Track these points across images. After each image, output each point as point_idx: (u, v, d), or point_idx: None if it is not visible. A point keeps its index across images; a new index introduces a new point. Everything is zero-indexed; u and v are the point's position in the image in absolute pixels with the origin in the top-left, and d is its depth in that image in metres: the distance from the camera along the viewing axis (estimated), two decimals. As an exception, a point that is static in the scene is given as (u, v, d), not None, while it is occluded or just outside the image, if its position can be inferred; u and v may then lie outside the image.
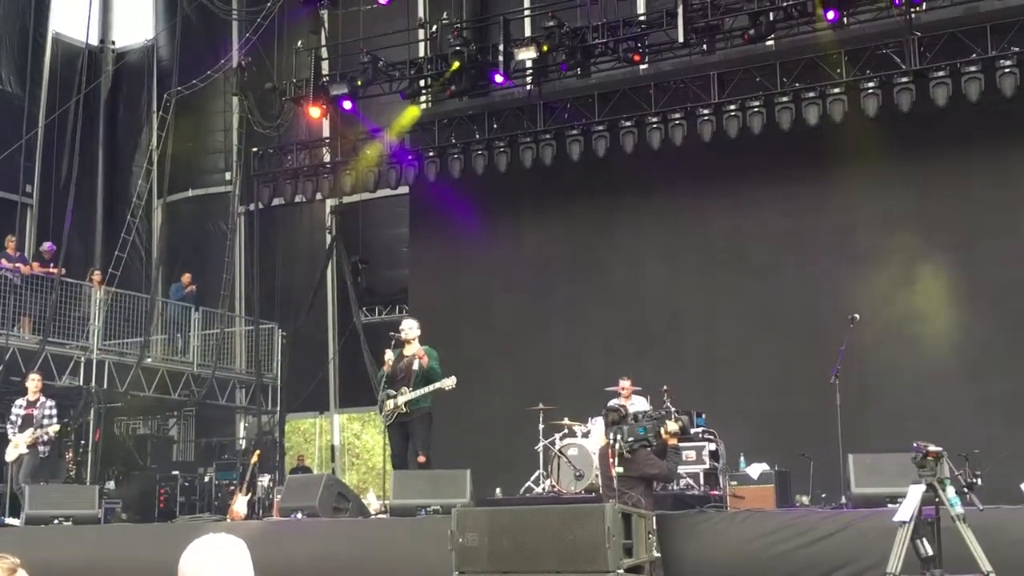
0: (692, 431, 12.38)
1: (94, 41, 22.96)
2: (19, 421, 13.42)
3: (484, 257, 17.72)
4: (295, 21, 18.46)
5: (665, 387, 12.58)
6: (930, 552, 7.07)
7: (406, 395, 11.23)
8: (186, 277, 20.62)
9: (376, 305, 20.46)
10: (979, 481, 7.92)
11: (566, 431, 12.49)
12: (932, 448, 7.21)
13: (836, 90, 14.49)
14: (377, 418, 12.15)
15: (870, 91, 14.32)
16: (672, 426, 10.42)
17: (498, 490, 12.92)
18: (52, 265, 18.23)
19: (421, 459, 11.31)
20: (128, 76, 24.11)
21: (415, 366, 11.31)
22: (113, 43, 24.38)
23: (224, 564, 2.97)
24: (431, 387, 11.15)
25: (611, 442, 9.14)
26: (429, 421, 11.49)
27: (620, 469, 9.21)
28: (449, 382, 11.11)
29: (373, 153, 17.58)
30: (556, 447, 12.40)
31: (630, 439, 9.54)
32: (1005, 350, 14.09)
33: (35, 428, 13.25)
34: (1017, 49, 13.70)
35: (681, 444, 11.98)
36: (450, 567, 7.69)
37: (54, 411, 13.53)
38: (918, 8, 14.08)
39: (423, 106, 17.40)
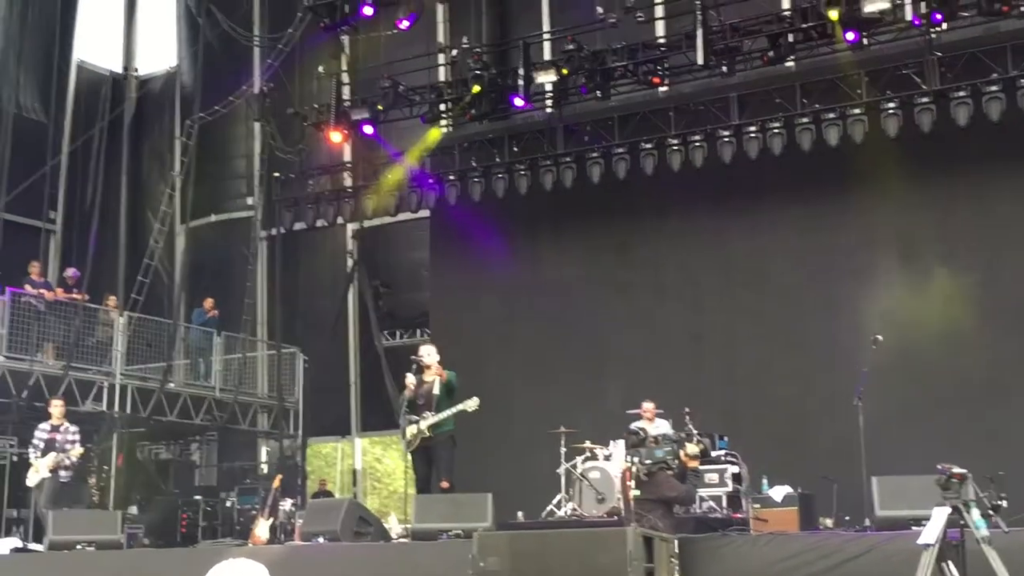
0: (715, 454, 12.38)
1: (118, 68, 23.19)
2: (42, 446, 13.49)
3: (505, 280, 17.73)
4: (316, 47, 18.61)
5: (687, 409, 12.54)
6: (956, 574, 7.03)
7: (429, 419, 11.22)
8: (208, 302, 20.66)
9: (397, 329, 20.48)
10: (1005, 503, 7.83)
11: (588, 454, 12.46)
12: (956, 470, 7.17)
13: (856, 111, 14.47)
14: (399, 441, 12.12)
15: (891, 112, 14.30)
16: (692, 449, 10.42)
17: (520, 514, 12.88)
18: (76, 291, 18.27)
19: (444, 484, 11.27)
20: (151, 103, 24.29)
21: (436, 390, 11.29)
22: (136, 70, 24.59)
23: None
24: (454, 409, 11.12)
25: (629, 464, 9.14)
26: (452, 445, 11.44)
27: (637, 492, 9.19)
28: (472, 403, 11.08)
29: (394, 177, 17.64)
30: (578, 470, 12.36)
31: (648, 461, 9.54)
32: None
33: (57, 452, 13.31)
34: (1039, 68, 13.69)
35: (703, 467, 12.02)
36: (472, 592, 7.70)
37: (77, 436, 13.64)
38: (938, 28, 14.06)
39: (444, 130, 17.46)
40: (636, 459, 9.66)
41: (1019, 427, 13.56)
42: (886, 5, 13.75)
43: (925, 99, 14.15)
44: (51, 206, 21.80)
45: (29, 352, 16.96)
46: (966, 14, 13.95)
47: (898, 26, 14.12)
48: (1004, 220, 14.85)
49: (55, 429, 13.58)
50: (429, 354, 11.61)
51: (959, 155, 14.62)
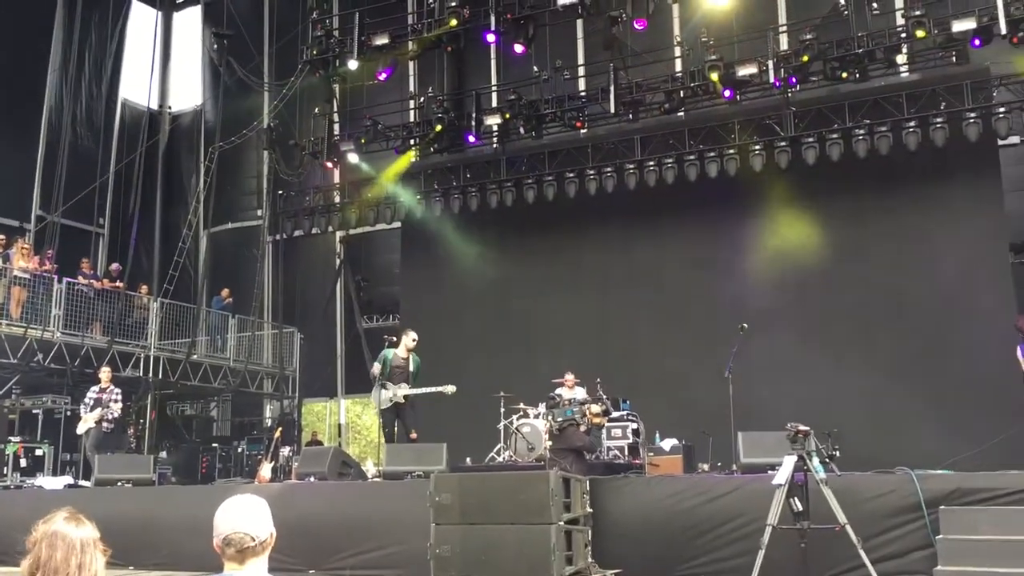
0: (618, 413, 12.44)
1: (154, 106, 22.80)
2: (91, 403, 13.33)
3: (459, 277, 17.67)
4: (312, 91, 18.41)
5: (599, 379, 12.60)
6: (800, 508, 7.14)
7: (406, 390, 11.27)
8: (225, 291, 20.51)
9: (374, 314, 20.35)
10: (838, 453, 7.97)
11: (522, 413, 12.46)
12: (802, 427, 7.28)
13: (731, 151, 14.66)
14: (372, 403, 12.10)
15: (756, 152, 14.50)
16: (595, 408, 10.52)
17: (468, 459, 12.87)
18: (118, 281, 18.03)
19: (413, 435, 11.33)
20: (181, 133, 23.92)
21: (411, 367, 11.40)
22: (170, 107, 24.21)
23: (248, 515, 2.97)
24: (434, 389, 11.18)
25: (546, 423, 9.22)
26: (417, 406, 11.53)
27: (550, 443, 9.28)
28: (449, 389, 11.16)
29: (373, 196, 17.59)
30: (514, 426, 12.38)
31: (560, 419, 9.63)
32: (858, 353, 14.26)
33: (103, 408, 13.12)
34: (868, 121, 13.92)
35: (611, 423, 12.10)
36: (429, 519, 7.68)
37: (119, 396, 13.43)
38: (793, 89, 14.26)
39: (413, 158, 17.39)
40: (551, 417, 9.75)
41: (850, 394, 13.79)
42: (754, 70, 13.92)
43: (783, 143, 14.37)
44: (100, 214, 21.50)
45: (80, 329, 16.71)
46: (815, 78, 14.17)
47: (763, 87, 14.32)
48: (842, 235, 15.04)
49: (103, 391, 13.39)
50: (414, 339, 11.71)
51: (809, 186, 14.83)
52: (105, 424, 13.17)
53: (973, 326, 13.69)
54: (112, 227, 21.86)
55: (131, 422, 17.19)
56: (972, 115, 13.36)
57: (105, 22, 21.56)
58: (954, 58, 13.61)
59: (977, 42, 12.68)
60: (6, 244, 16.42)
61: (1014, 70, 13.49)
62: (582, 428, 10.13)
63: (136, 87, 22.51)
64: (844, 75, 13.62)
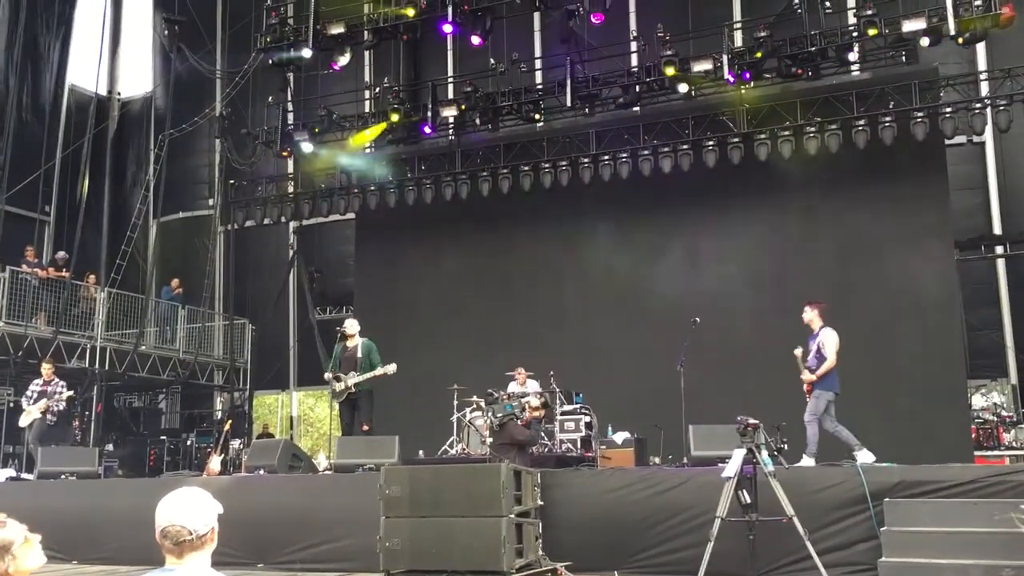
0: (571, 407, 12.46)
1: (103, 91, 22.34)
2: (34, 396, 13.04)
3: (413, 269, 17.59)
4: (266, 80, 18.16)
5: (552, 373, 12.62)
6: (749, 500, 7.22)
7: (354, 378, 11.16)
8: (175, 281, 20.23)
9: (328, 306, 20.17)
10: (786, 446, 8.07)
11: (475, 406, 12.46)
12: (751, 421, 7.37)
13: (685, 146, 14.72)
14: (325, 395, 12.00)
15: (710, 148, 14.58)
16: (534, 402, 10.57)
17: (420, 452, 12.83)
18: (64, 270, 17.63)
19: (366, 427, 11.27)
20: (130, 120, 23.49)
21: (359, 354, 11.30)
22: (119, 93, 23.74)
23: (186, 508, 2.92)
24: (375, 372, 11.10)
25: (484, 419, 9.21)
26: (371, 398, 11.49)
27: (490, 439, 9.30)
28: (391, 368, 11.09)
29: (326, 186, 17.39)
30: (467, 419, 12.36)
31: (499, 415, 9.65)
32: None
33: (48, 399, 12.84)
34: (819, 119, 14.08)
35: (563, 416, 12.12)
36: (379, 512, 7.62)
37: (63, 388, 13.13)
38: (747, 85, 14.36)
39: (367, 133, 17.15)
40: (490, 414, 9.76)
41: (797, 390, 13.90)
42: (709, 66, 13.99)
43: (736, 139, 14.47)
44: (46, 201, 21.03)
45: (24, 319, 16.35)
46: (768, 75, 14.29)
47: (718, 83, 14.39)
48: (793, 231, 15.27)
49: (46, 383, 13.09)
50: (352, 325, 11.62)
51: (761, 182, 14.95)
52: (49, 416, 12.89)
53: (918, 322, 13.95)
54: (58, 215, 21.38)
55: (76, 414, 16.85)
56: (920, 114, 13.57)
57: (52, 4, 21.06)
58: (904, 58, 13.83)
59: (926, 42, 12.88)
60: (-54, 231, 16.01)
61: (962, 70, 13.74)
62: (521, 422, 10.12)
63: (84, 72, 22.01)
64: (797, 72, 13.75)
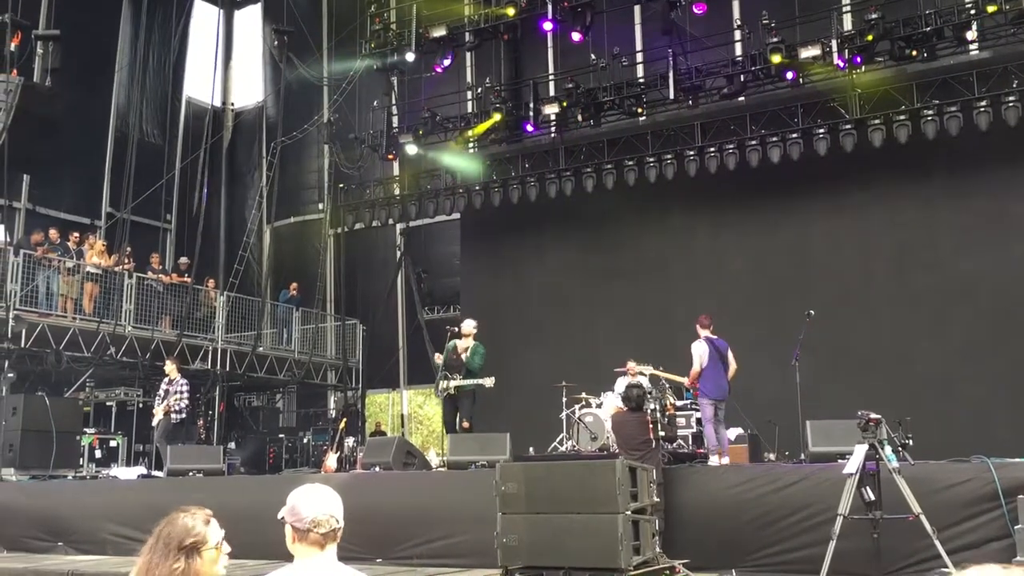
0: (682, 402, 12.34)
1: (218, 103, 23.21)
2: (163, 395, 13.57)
3: (518, 267, 17.71)
4: (371, 85, 18.54)
5: (661, 367, 12.50)
6: (872, 497, 7.01)
7: (456, 381, 11.39)
8: (293, 285, 20.74)
9: (435, 305, 20.47)
10: (911, 442, 7.80)
11: (584, 403, 12.45)
12: (873, 415, 7.15)
13: (794, 135, 14.38)
14: (434, 393, 12.26)
15: (820, 136, 14.21)
16: (672, 398, 10.47)
17: (531, 449, 12.89)
18: (186, 276, 18.38)
19: (465, 425, 11.44)
20: (244, 129, 24.31)
21: (466, 357, 11.53)
22: (232, 104, 24.61)
23: (333, 501, 3.02)
24: (474, 381, 11.32)
25: (648, 414, 8.99)
26: (473, 398, 11.66)
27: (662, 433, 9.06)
28: (489, 381, 11.26)
29: (431, 187, 17.65)
30: (576, 415, 12.36)
31: (654, 407, 9.56)
32: (929, 339, 13.95)
33: (164, 400, 13.37)
34: (937, 102, 13.55)
35: (676, 412, 12.01)
36: (495, 509, 7.69)
37: (185, 387, 13.56)
38: (858, 70, 13.94)
39: (471, 150, 17.37)
40: (654, 408, 9.60)
41: (921, 383, 13.51)
42: (817, 52, 13.64)
43: (848, 126, 14.05)
44: (167, 210, 21.94)
45: (151, 323, 17.06)
46: (880, 59, 13.83)
47: (827, 68, 14.01)
48: (908, 223, 14.75)
49: (170, 382, 13.63)
50: (469, 326, 11.84)
51: (876, 170, 14.52)
52: (174, 415, 13.43)
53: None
54: (178, 222, 22.31)
55: (200, 413, 17.57)
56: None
57: (169, 21, 21.96)
58: (1027, 34, 13.18)
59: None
60: (79, 241, 16.86)
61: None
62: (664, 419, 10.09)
63: (199, 85, 22.95)
64: (911, 54, 13.27)
